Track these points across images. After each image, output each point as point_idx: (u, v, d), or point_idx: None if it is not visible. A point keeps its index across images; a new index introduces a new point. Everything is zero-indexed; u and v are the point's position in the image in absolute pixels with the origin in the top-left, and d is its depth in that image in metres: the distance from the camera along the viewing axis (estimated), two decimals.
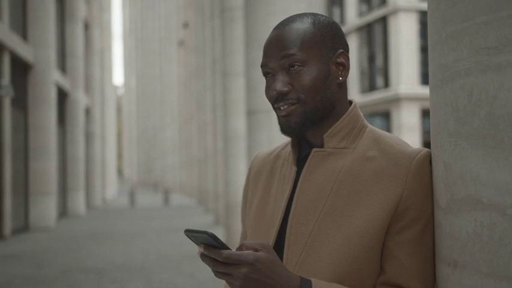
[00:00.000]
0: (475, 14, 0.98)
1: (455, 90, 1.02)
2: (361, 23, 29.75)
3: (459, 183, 1.02)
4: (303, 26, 1.23)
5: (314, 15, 1.26)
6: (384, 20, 27.84)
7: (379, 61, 28.45)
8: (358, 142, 1.25)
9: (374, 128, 1.29)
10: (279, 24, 1.25)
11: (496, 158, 0.94)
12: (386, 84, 27.70)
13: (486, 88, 0.96)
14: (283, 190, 1.29)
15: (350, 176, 1.21)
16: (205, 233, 1.04)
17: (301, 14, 1.27)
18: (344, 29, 31.34)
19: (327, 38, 1.23)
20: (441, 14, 1.06)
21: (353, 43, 30.68)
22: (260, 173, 1.40)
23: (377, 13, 28.19)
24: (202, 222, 16.71)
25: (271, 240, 1.26)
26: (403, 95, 26.25)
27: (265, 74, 1.25)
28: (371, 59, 29.22)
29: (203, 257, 1.09)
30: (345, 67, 1.25)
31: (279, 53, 1.21)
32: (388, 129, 27.55)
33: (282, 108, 1.23)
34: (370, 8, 29.04)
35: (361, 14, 29.98)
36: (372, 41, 29.10)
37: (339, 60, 1.24)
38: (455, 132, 1.03)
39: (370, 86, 29.25)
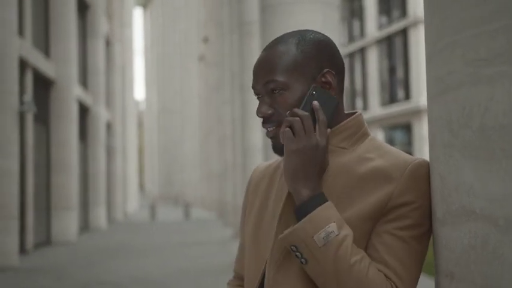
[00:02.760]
0: (466, 27, 0.99)
1: (449, 103, 1.03)
2: (381, 35, 29.69)
3: (454, 195, 1.02)
4: (285, 48, 1.26)
5: (302, 34, 1.28)
6: (404, 32, 27.76)
7: (399, 73, 28.32)
8: (358, 145, 1.28)
9: (376, 137, 1.31)
10: (266, 46, 1.30)
11: (488, 170, 0.94)
12: (407, 96, 27.56)
13: (478, 100, 0.96)
14: (280, 200, 1.31)
15: (344, 172, 1.24)
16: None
17: (289, 33, 1.30)
18: (364, 42, 31.30)
19: (310, 58, 1.25)
20: (435, 27, 1.08)
21: (373, 56, 30.61)
22: (259, 184, 1.42)
23: (397, 25, 28.13)
24: (222, 235, 16.71)
25: (269, 246, 1.29)
26: (424, 107, 26.07)
27: (255, 95, 1.31)
28: (391, 71, 29.10)
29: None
30: (331, 86, 1.26)
31: (263, 78, 1.26)
32: (410, 141, 27.36)
33: (268, 129, 1.28)
34: (390, 21, 28.98)
35: (381, 26, 29.93)
36: (392, 53, 29.00)
37: (324, 79, 1.26)
38: (449, 144, 1.04)
39: (390, 99, 29.11)
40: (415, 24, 26.71)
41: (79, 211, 18.81)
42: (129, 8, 34.05)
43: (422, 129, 26.30)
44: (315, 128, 1.22)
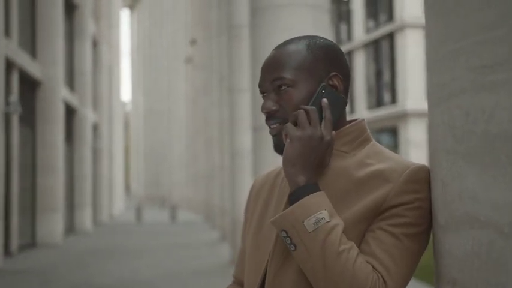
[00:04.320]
0: (470, 34, 0.99)
1: (452, 109, 1.03)
2: (368, 39, 29.82)
3: (457, 201, 1.02)
4: (295, 49, 1.28)
5: (312, 38, 1.31)
6: (391, 36, 27.90)
7: (386, 77, 28.45)
8: (359, 150, 1.28)
9: (377, 144, 1.31)
10: (276, 46, 1.32)
11: (492, 176, 0.94)
12: (394, 100, 27.69)
13: (482, 107, 0.96)
14: (281, 203, 1.32)
15: (343, 175, 1.25)
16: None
17: (300, 36, 1.33)
18: (351, 45, 31.42)
19: (319, 60, 1.28)
20: (437, 34, 1.07)
21: (360, 59, 30.73)
22: (261, 191, 1.43)
23: (384, 29, 28.27)
24: (209, 237, 16.66)
25: (269, 250, 1.29)
26: (410, 111, 26.23)
27: (261, 93, 1.32)
28: (378, 75, 29.23)
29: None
30: (337, 89, 1.28)
31: (270, 75, 1.28)
32: (396, 145, 27.49)
33: (271, 126, 1.29)
34: (377, 25, 29.12)
35: (368, 30, 30.06)
36: (379, 57, 29.13)
37: (331, 82, 1.28)
38: (452, 150, 1.03)
39: (377, 102, 29.24)
40: (401, 28, 26.87)
41: (64, 213, 18.68)
42: (117, 9, 33.91)
43: (408, 133, 26.45)
44: (321, 124, 1.24)
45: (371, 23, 29.86)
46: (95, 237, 17.80)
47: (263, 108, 1.28)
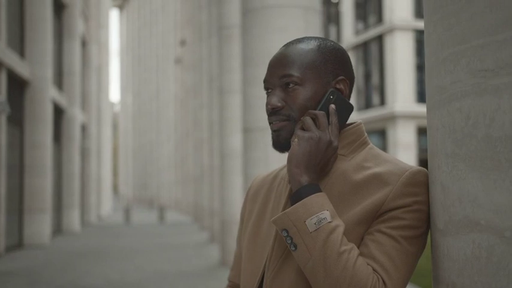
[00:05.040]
0: (471, 37, 0.99)
1: (452, 112, 1.03)
2: (357, 41, 29.92)
3: (457, 205, 1.02)
4: (306, 48, 1.28)
5: (323, 39, 1.32)
6: (380, 39, 28.01)
7: (375, 79, 28.56)
8: (357, 154, 1.29)
9: (375, 147, 1.31)
10: (286, 44, 1.32)
11: (493, 180, 0.94)
12: (382, 102, 27.80)
13: (483, 110, 0.96)
14: (278, 205, 1.32)
15: (342, 178, 1.25)
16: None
17: (310, 36, 1.33)
18: None
19: (329, 62, 1.28)
20: (438, 37, 1.07)
21: None
22: (258, 192, 1.42)
23: (373, 31, 28.37)
24: (198, 239, 16.63)
25: (267, 253, 1.29)
26: (398, 113, 26.34)
27: (266, 89, 1.32)
28: (367, 77, 29.34)
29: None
30: (343, 93, 1.29)
31: (279, 71, 1.28)
32: (384, 147, 27.58)
33: (273, 123, 1.29)
34: (367, 27, 29.23)
35: (357, 32, 30.16)
36: (368, 59, 29.24)
37: (338, 86, 1.29)
38: (452, 153, 1.03)
39: (366, 104, 29.34)
40: (390, 30, 26.97)
41: (52, 213, 18.57)
42: (106, 9, 33.77)
43: (396, 135, 26.54)
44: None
45: (360, 25, 29.96)
46: (82, 238, 17.70)
47: (268, 104, 1.27)
